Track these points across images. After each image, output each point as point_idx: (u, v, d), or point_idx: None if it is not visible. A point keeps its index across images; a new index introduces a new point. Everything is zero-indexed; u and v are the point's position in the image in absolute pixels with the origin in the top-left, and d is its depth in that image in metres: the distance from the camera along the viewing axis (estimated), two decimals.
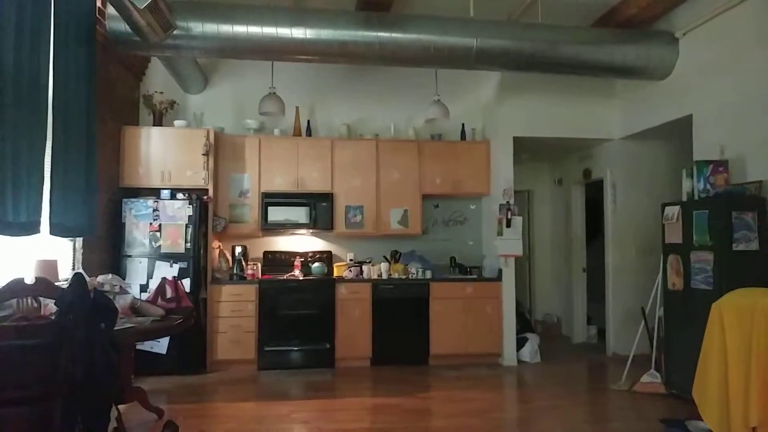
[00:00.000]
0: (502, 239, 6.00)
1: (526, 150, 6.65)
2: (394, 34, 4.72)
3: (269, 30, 4.57)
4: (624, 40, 5.14)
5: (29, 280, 3.30)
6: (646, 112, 5.75)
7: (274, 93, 5.55)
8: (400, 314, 5.77)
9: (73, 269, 4.42)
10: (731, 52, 4.63)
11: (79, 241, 4.63)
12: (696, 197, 4.56)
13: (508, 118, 6.11)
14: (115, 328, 3.10)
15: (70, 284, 2.90)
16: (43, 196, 3.73)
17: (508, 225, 6.00)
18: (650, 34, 5.29)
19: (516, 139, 6.08)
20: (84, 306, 2.80)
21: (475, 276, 6.17)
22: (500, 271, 6.01)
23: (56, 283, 3.53)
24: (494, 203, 6.15)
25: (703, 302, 3.83)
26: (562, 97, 6.12)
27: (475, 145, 6.36)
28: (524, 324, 6.52)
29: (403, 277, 5.93)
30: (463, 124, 6.41)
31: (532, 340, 6.15)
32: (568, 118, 6.16)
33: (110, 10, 4.35)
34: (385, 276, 5.91)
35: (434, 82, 5.99)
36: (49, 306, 3.31)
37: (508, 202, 6.03)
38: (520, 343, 6.07)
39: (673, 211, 4.71)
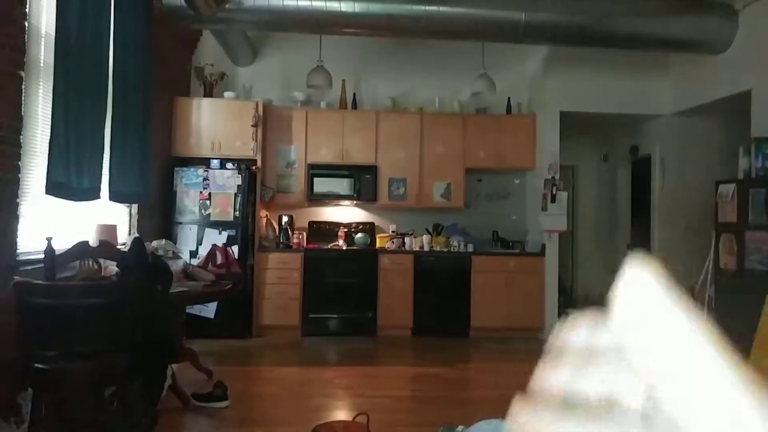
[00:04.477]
0: (546, 214, 5.93)
1: (571, 125, 6.48)
2: (441, 8, 4.65)
3: (318, 3, 4.57)
4: (681, 12, 4.91)
5: (93, 243, 3.50)
6: (700, 87, 5.51)
7: (322, 66, 5.58)
8: (442, 286, 5.82)
9: (130, 234, 4.62)
10: None
11: (135, 207, 4.83)
12: (753, 175, 4.38)
13: (555, 92, 5.98)
14: (170, 291, 3.26)
15: (130, 248, 3.07)
16: (103, 164, 3.90)
17: (553, 200, 5.92)
18: (708, 6, 5.02)
19: (562, 114, 5.95)
20: (143, 268, 2.95)
21: (517, 250, 6.14)
22: (543, 246, 5.96)
23: (117, 247, 3.74)
24: (539, 178, 6.07)
25: (758, 283, 3.73)
26: (611, 72, 5.93)
27: (521, 119, 6.26)
28: (566, 300, 6.47)
29: (445, 249, 5.96)
30: (508, 98, 6.31)
31: None
32: (617, 92, 5.97)
33: None
34: (426, 248, 5.95)
35: (480, 55, 5.89)
36: (109, 268, 3.50)
37: (553, 177, 5.94)
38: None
39: (728, 189, 4.55)
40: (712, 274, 4.81)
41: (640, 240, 6.83)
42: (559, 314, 5.99)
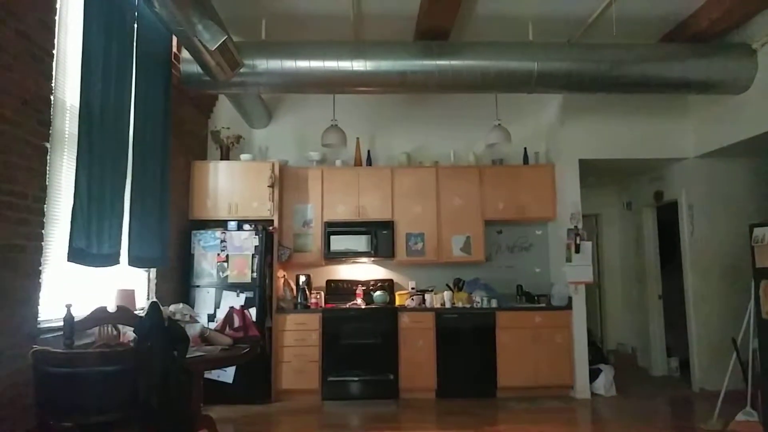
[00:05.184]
0: (571, 265, 5.78)
1: (591, 172, 6.43)
2: (453, 62, 4.73)
3: (331, 64, 4.69)
4: (696, 54, 4.91)
5: (111, 308, 3.46)
6: (724, 128, 5.43)
7: (336, 125, 5.67)
8: (466, 344, 5.62)
9: (148, 298, 4.59)
10: None
11: (153, 271, 4.82)
12: None
13: (573, 140, 5.95)
14: (187, 356, 3.18)
15: (147, 313, 3.02)
16: (122, 230, 3.92)
17: (577, 250, 5.78)
18: (725, 47, 5.03)
19: (581, 162, 5.89)
20: (160, 334, 2.88)
21: (543, 304, 5.95)
22: (570, 298, 5.77)
23: (134, 312, 3.69)
24: (561, 228, 5.96)
25: None
26: (629, 117, 5.91)
27: (539, 169, 6.22)
28: (597, 354, 6.20)
29: (468, 306, 5.80)
30: (525, 148, 6.30)
31: (606, 372, 5.83)
32: (636, 137, 5.92)
33: (184, 53, 4.61)
34: (448, 305, 5.80)
35: (494, 107, 5.94)
36: (128, 334, 3.44)
37: (576, 226, 5.82)
38: (593, 374, 5.76)
39: (763, 232, 4.38)
40: (755, 325, 4.56)
41: (672, 289, 6.60)
42: (590, 370, 5.72)
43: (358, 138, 6.23)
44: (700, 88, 5.04)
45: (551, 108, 6.30)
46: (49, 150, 3.20)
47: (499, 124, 5.81)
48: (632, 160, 6.11)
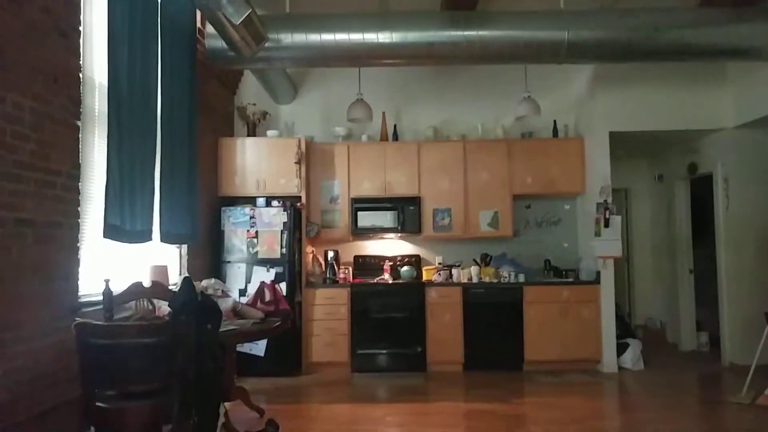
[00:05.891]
0: (600, 240, 5.70)
1: (622, 145, 6.27)
2: (481, 32, 4.60)
3: (356, 36, 4.62)
4: (738, 18, 4.63)
5: (146, 284, 3.56)
6: (764, 97, 5.23)
7: (362, 99, 5.63)
8: (493, 319, 5.63)
9: (180, 274, 4.70)
10: None
11: (185, 247, 4.92)
12: None
13: (604, 113, 5.81)
14: (220, 330, 3.25)
15: (180, 288, 3.08)
16: (154, 207, 4.00)
17: (607, 225, 5.69)
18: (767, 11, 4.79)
19: (612, 134, 5.76)
20: (193, 308, 2.95)
21: (571, 279, 5.90)
22: (598, 273, 5.71)
23: (168, 287, 3.78)
24: (590, 202, 5.86)
25: None
26: (663, 86, 5.72)
27: (568, 142, 6.10)
28: (624, 329, 6.16)
29: (495, 281, 5.79)
30: (554, 121, 6.17)
31: (634, 346, 5.79)
32: (670, 108, 5.74)
33: (208, 28, 4.60)
34: (475, 280, 5.80)
35: (523, 79, 5.81)
36: (163, 308, 3.53)
37: (605, 200, 5.73)
38: (621, 349, 5.73)
39: None
40: None
41: (704, 264, 6.48)
42: (618, 344, 5.69)
43: (384, 112, 6.18)
44: (742, 54, 4.80)
45: (581, 79, 6.14)
46: (80, 128, 3.25)
47: (528, 96, 5.69)
48: (665, 132, 5.95)
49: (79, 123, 3.24)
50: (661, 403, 4.61)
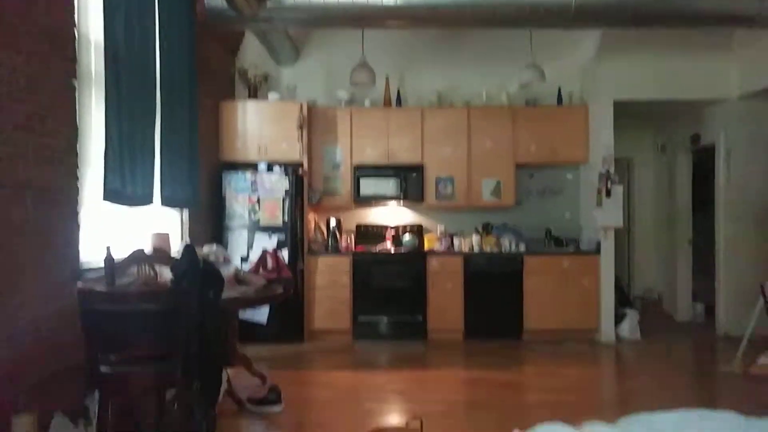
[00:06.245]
0: (601, 210, 5.69)
1: (626, 114, 6.19)
2: None
3: None
4: None
5: (148, 250, 3.53)
6: None
7: (365, 63, 5.50)
8: (493, 288, 5.65)
9: (182, 240, 4.67)
10: None
11: (186, 213, 4.87)
12: None
13: (609, 81, 5.73)
14: (222, 297, 3.24)
15: (182, 254, 3.06)
16: (155, 170, 3.94)
17: (608, 195, 5.67)
18: None
19: (616, 103, 5.68)
20: (195, 274, 2.93)
21: (571, 249, 5.91)
22: (598, 243, 5.72)
23: (170, 254, 3.76)
24: (592, 172, 5.82)
25: None
26: (669, 55, 5.63)
27: (573, 110, 6.01)
28: (623, 299, 6.22)
29: (496, 250, 5.79)
30: (559, 88, 6.07)
31: (631, 316, 5.85)
32: (676, 77, 5.66)
33: None
34: (476, 249, 5.80)
35: (528, 45, 5.68)
36: (165, 274, 3.51)
37: (607, 170, 5.69)
38: (619, 318, 5.79)
39: None
40: None
41: (703, 236, 6.49)
42: (616, 314, 5.74)
43: (387, 76, 6.06)
44: (748, 21, 4.69)
45: (587, 46, 6.00)
46: (77, 88, 3.16)
47: (533, 63, 5.58)
48: (670, 102, 5.89)
49: (75, 84, 3.14)
50: (656, 372, 4.69)
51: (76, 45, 3.17)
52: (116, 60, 3.37)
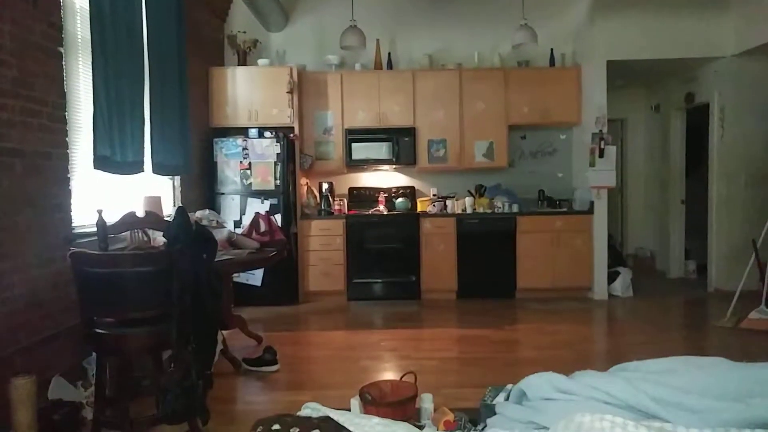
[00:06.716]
0: (594, 170, 5.70)
1: (619, 75, 6.14)
2: None
3: None
4: None
5: (140, 214, 3.56)
6: (766, 24, 5.08)
7: (355, 26, 5.43)
8: (486, 248, 5.71)
9: (174, 205, 4.70)
10: None
11: (178, 179, 4.90)
12: None
13: (602, 41, 5.66)
14: (216, 259, 3.28)
15: (174, 217, 3.08)
16: (145, 137, 3.94)
17: (601, 155, 5.68)
18: None
19: (609, 64, 5.63)
20: (188, 237, 2.96)
21: (564, 209, 5.95)
22: (591, 203, 5.75)
23: (162, 217, 3.78)
24: (586, 133, 5.82)
25: None
26: (663, 14, 5.55)
27: (566, 71, 5.97)
28: (616, 257, 6.27)
29: (489, 211, 5.83)
30: (552, 49, 6.00)
31: (624, 274, 5.92)
32: (671, 36, 5.58)
33: None
34: (469, 210, 5.84)
35: (520, 6, 5.59)
36: (158, 238, 3.55)
37: (600, 131, 5.68)
38: (611, 277, 5.87)
39: None
40: None
41: (696, 195, 6.52)
42: (609, 273, 5.81)
43: (378, 40, 5.99)
44: None
45: (580, 6, 5.93)
46: (63, 55, 3.15)
47: (525, 24, 5.50)
48: (663, 61, 5.81)
49: (62, 50, 3.13)
50: (648, 328, 4.77)
51: (62, 10, 3.14)
52: (102, 25, 3.35)
